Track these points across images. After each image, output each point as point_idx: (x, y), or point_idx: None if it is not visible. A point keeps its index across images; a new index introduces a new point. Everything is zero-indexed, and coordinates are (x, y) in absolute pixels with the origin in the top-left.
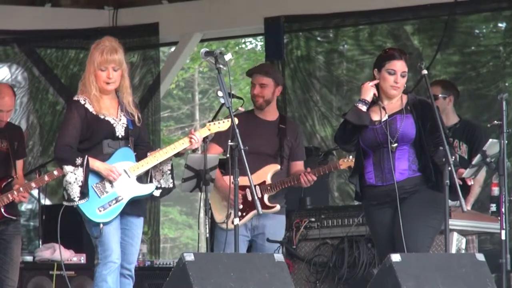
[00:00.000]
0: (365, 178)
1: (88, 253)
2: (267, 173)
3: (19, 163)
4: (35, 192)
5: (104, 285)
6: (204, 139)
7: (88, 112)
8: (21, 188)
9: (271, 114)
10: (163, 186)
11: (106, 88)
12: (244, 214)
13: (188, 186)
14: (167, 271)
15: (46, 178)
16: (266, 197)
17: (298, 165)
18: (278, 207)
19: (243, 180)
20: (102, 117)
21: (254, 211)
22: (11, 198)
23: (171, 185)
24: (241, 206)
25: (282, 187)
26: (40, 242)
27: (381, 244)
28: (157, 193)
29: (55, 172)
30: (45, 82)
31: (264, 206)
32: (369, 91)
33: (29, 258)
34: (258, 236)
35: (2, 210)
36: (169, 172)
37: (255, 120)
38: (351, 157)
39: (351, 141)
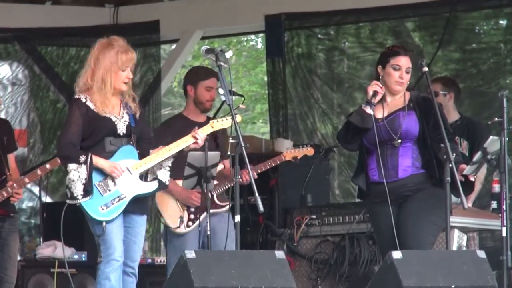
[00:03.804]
0: (368, 175)
1: (89, 250)
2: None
3: (11, 157)
4: (36, 190)
5: (107, 283)
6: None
7: (89, 110)
8: (14, 184)
9: (203, 116)
10: (159, 177)
11: (122, 88)
12: (198, 216)
13: (189, 183)
14: None
15: (39, 172)
16: (215, 196)
17: (226, 163)
18: (229, 205)
19: None
20: (103, 114)
21: (205, 213)
22: (5, 195)
23: (167, 182)
24: (193, 209)
25: (227, 186)
26: (41, 240)
27: (384, 241)
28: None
29: (48, 166)
30: (46, 80)
31: (215, 205)
32: (370, 91)
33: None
34: (206, 237)
35: None
36: (168, 168)
37: (191, 124)
38: (291, 149)
39: (353, 141)
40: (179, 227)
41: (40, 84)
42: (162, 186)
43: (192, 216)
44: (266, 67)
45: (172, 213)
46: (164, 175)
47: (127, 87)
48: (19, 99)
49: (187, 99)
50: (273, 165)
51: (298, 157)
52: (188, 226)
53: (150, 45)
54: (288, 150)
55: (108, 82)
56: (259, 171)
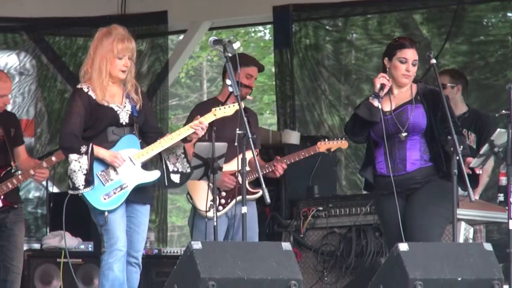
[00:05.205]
0: (376, 168)
1: (96, 241)
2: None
3: (21, 149)
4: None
5: (110, 273)
6: (211, 125)
7: (92, 100)
8: (20, 176)
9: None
10: (180, 170)
11: (120, 77)
12: (228, 201)
13: (196, 174)
14: (175, 259)
15: (44, 164)
16: (246, 182)
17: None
18: (261, 192)
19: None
20: (105, 104)
21: (237, 199)
22: (11, 186)
23: (188, 170)
24: (224, 194)
25: (258, 174)
26: (48, 230)
27: (390, 233)
28: (176, 178)
29: (53, 158)
30: (54, 69)
31: (247, 192)
32: (377, 84)
33: (36, 246)
34: (234, 224)
35: (1, 198)
36: (183, 155)
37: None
38: (326, 141)
39: (361, 133)
40: (208, 210)
41: (47, 74)
42: (186, 177)
43: (223, 201)
44: (273, 58)
45: (202, 196)
46: (182, 164)
47: (127, 75)
48: (26, 89)
49: (224, 84)
50: (306, 155)
51: (332, 149)
52: (218, 210)
53: (158, 35)
54: (322, 142)
55: (104, 71)
56: (292, 160)
